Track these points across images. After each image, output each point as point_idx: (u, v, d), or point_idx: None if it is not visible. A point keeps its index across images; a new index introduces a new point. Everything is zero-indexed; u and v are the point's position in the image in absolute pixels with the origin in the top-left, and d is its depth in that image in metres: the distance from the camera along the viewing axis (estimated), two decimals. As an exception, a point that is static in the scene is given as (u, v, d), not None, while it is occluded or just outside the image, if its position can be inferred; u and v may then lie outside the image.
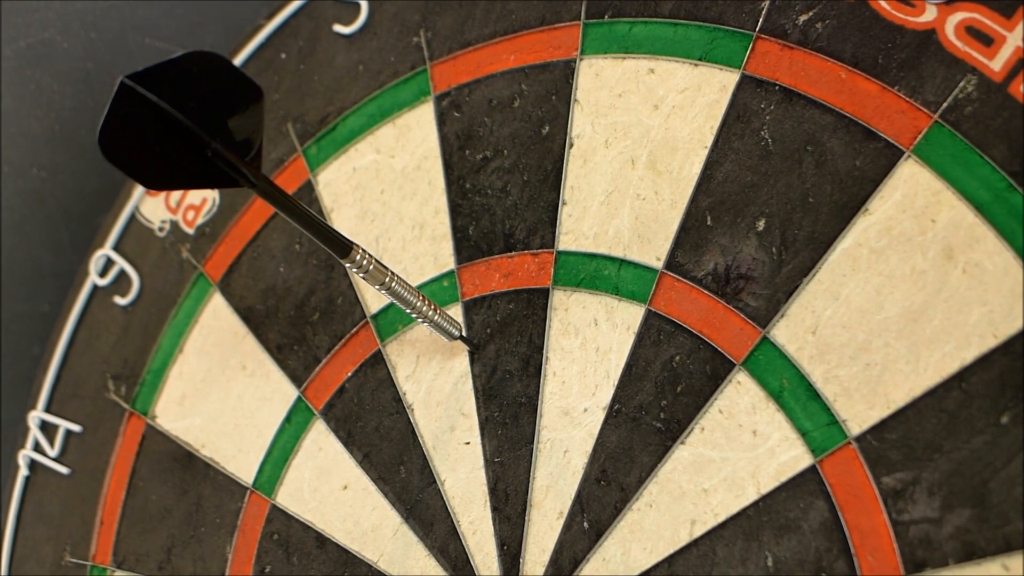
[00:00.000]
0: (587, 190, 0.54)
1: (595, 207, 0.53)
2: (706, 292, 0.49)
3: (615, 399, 0.50)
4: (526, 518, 0.50)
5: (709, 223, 0.50)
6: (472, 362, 0.55)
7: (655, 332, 0.50)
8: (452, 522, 0.52)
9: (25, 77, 0.76)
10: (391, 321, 0.58)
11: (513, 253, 0.55)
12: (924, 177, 0.45)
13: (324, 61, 0.66)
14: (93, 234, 0.74)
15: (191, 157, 0.39)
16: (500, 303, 0.55)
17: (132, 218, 0.72)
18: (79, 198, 0.81)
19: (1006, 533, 0.39)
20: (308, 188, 0.64)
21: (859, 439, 0.43)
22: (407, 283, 0.49)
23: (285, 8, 0.69)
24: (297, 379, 0.60)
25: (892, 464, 0.42)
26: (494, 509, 0.51)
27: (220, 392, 0.63)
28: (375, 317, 0.59)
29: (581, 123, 0.55)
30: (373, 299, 0.59)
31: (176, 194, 0.70)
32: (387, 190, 0.61)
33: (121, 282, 0.71)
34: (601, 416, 0.50)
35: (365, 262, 0.45)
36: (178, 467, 0.63)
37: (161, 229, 0.70)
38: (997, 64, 0.44)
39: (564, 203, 0.54)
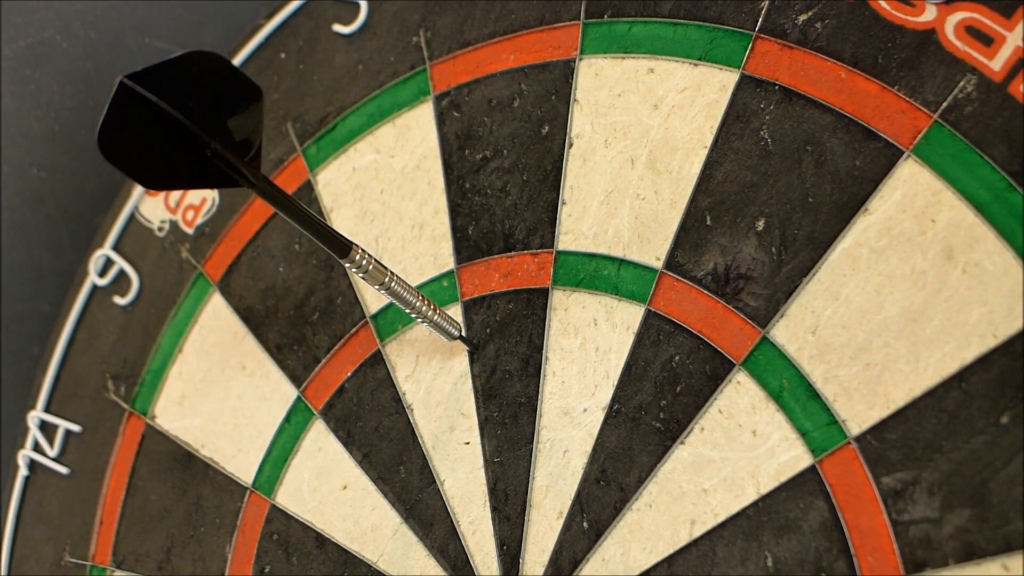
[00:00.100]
0: (587, 190, 0.54)
1: (595, 207, 0.53)
2: (706, 292, 0.49)
3: (615, 399, 0.50)
4: (526, 518, 0.50)
5: (709, 223, 0.49)
6: (472, 362, 0.55)
7: (655, 332, 0.49)
8: (452, 522, 0.52)
9: (25, 77, 0.76)
10: (391, 321, 0.58)
11: (513, 253, 0.55)
12: (924, 177, 0.45)
13: (324, 61, 0.66)
14: (93, 234, 0.74)
15: (191, 157, 0.39)
16: (500, 303, 0.55)
17: (132, 218, 0.72)
18: (79, 198, 0.81)
19: (1006, 533, 0.39)
20: (308, 188, 0.64)
21: (859, 439, 0.43)
22: (407, 283, 0.49)
23: (285, 8, 0.69)
24: (297, 379, 0.60)
25: (892, 464, 0.42)
26: (494, 509, 0.51)
27: (220, 392, 0.63)
28: (375, 317, 0.59)
29: (581, 123, 0.55)
30: (373, 299, 0.59)
31: (175, 194, 0.70)
32: (387, 190, 0.61)
33: (121, 282, 0.71)
34: (601, 416, 0.50)
35: (364, 262, 0.45)
36: (178, 467, 0.63)
37: (160, 229, 0.70)
38: (997, 64, 0.44)
39: (564, 203, 0.54)
